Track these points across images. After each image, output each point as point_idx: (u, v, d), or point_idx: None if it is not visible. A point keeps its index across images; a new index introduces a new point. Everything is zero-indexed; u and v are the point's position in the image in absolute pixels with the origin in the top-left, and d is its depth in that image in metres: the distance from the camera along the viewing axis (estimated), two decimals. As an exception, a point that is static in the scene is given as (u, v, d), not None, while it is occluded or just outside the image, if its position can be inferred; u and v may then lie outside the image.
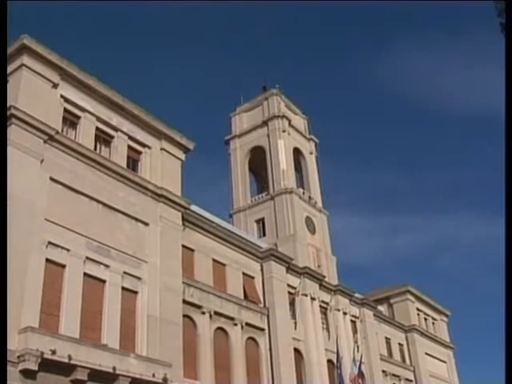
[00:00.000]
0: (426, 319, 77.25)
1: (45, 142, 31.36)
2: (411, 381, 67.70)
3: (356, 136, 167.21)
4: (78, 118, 34.90)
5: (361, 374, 53.08)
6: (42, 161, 30.77)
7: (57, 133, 31.99)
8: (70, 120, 34.56)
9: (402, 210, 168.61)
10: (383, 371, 60.86)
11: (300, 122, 66.09)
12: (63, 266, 30.61)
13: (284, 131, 60.56)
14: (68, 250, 30.91)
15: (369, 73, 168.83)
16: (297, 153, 62.61)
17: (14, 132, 29.64)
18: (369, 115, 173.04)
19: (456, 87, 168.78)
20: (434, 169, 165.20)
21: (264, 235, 56.84)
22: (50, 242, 30.08)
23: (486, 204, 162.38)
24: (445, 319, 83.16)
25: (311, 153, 64.52)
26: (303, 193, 59.63)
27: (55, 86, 33.33)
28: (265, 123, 61.74)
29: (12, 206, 27.60)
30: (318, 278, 52.99)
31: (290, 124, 61.90)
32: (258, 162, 61.77)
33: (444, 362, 77.33)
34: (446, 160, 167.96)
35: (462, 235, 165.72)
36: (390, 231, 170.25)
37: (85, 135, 34.65)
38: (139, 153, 38.59)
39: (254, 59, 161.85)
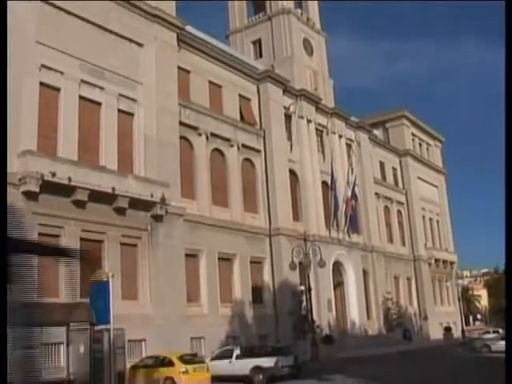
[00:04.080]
0: (420, 144, 78.14)
1: (31, -43, 29.65)
2: (402, 203, 69.93)
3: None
4: None
5: (354, 196, 54.64)
6: (29, -21, 29.28)
7: None
8: None
9: (402, 34, 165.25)
10: (376, 194, 62.66)
11: None
12: (58, 90, 30.26)
13: None
14: (62, 73, 30.36)
15: None
16: (295, -29, 59.89)
17: None
18: None
19: None
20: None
21: (261, 57, 55.73)
22: (43, 65, 29.41)
23: (488, 32, 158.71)
24: (439, 145, 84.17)
25: (310, -29, 61.69)
26: (301, 13, 57.68)
27: None
28: None
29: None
30: (315, 101, 52.77)
31: None
32: (255, -20, 59.26)
33: (435, 186, 79.30)
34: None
35: (462, 64, 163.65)
36: (390, 56, 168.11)
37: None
38: (131, -30, 36.77)
39: None
